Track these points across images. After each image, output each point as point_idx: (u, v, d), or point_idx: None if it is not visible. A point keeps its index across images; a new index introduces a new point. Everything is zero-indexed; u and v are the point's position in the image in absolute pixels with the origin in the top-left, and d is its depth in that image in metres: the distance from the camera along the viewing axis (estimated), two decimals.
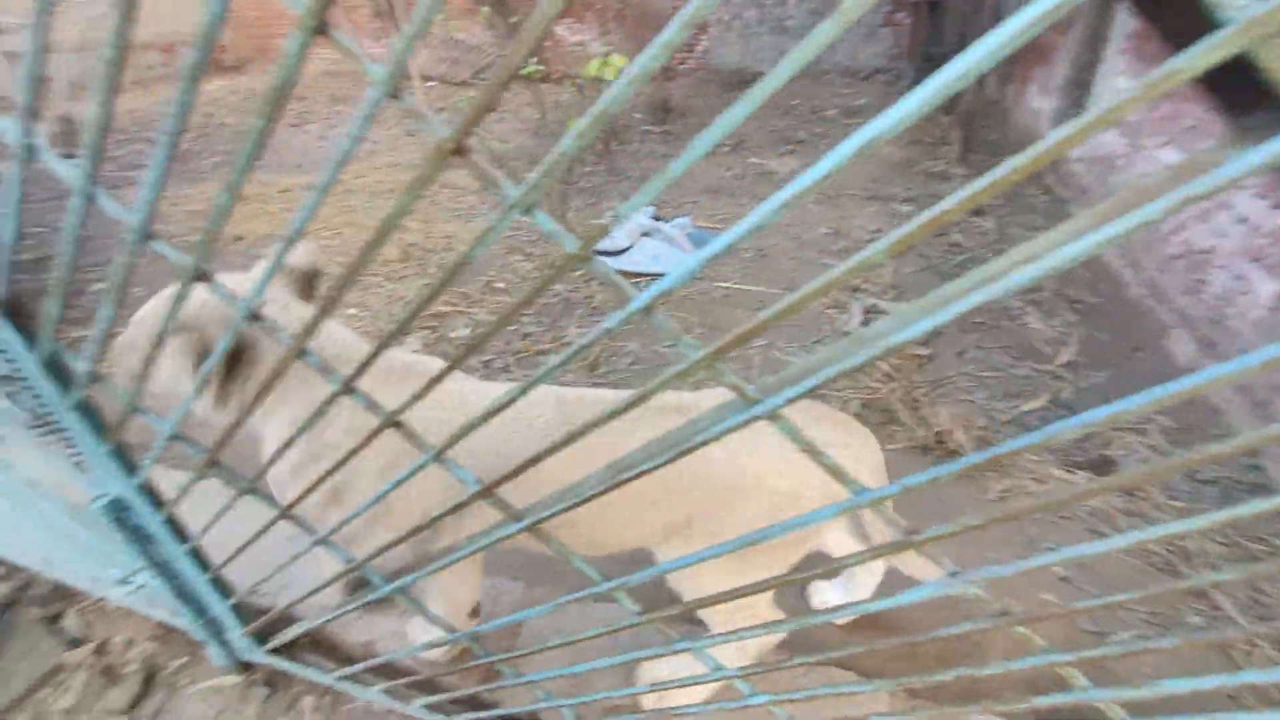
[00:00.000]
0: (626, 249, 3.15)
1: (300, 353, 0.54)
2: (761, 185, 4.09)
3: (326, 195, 0.43)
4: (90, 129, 0.47)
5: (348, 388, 0.55)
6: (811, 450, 0.44)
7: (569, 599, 0.65)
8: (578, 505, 0.56)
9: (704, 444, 0.47)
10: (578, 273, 3.07)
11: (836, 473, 0.45)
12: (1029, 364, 2.28)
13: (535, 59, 3.23)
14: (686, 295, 2.84)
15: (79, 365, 0.71)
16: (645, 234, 3.27)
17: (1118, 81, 3.28)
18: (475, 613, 1.17)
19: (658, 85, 5.62)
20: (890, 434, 1.95)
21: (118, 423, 0.76)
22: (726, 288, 2.89)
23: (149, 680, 1.16)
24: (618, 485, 0.53)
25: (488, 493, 0.59)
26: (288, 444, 0.65)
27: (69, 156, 5.10)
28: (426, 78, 7.51)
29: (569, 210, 3.37)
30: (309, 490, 0.68)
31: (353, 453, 0.61)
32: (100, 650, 1.22)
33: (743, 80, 6.82)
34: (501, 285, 3.00)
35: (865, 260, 0.36)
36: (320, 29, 0.38)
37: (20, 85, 0.49)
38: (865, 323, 2.54)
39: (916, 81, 5.36)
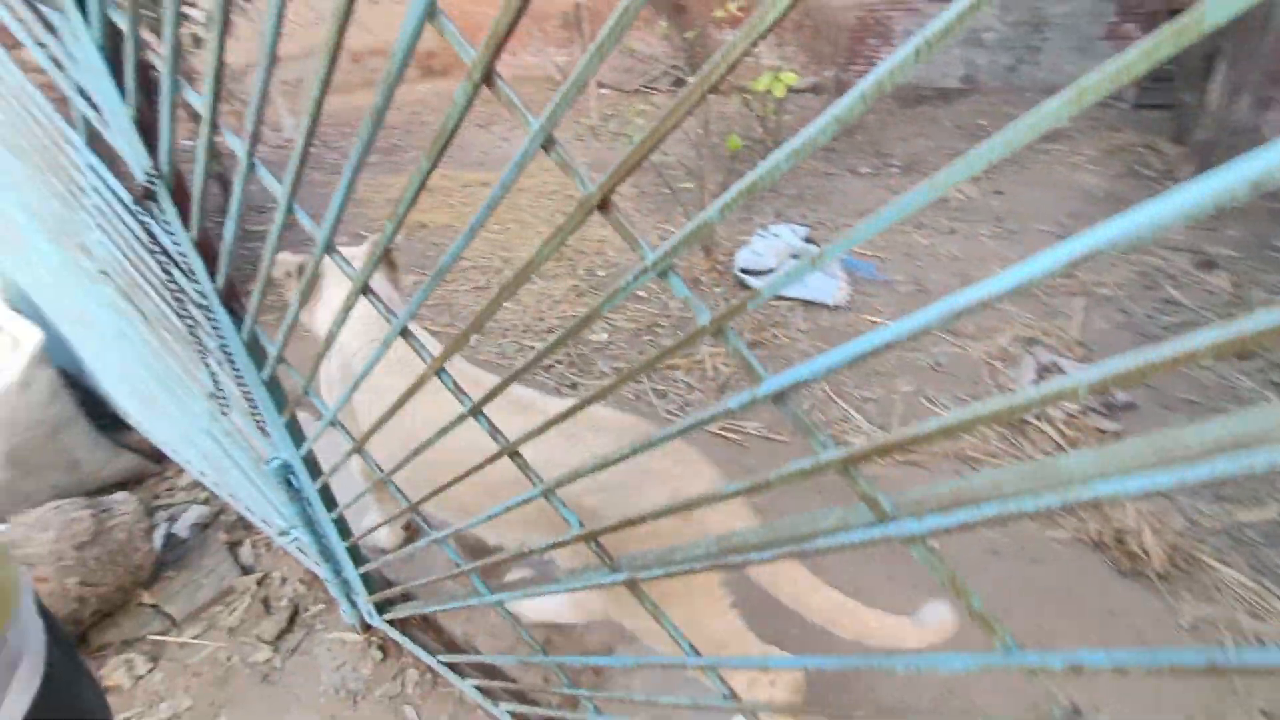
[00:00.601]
0: (773, 269, 3.05)
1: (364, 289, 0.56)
2: (929, 212, 3.76)
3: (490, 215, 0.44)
4: (291, 163, 0.53)
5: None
6: (962, 591, 0.37)
7: (653, 661, 0.62)
8: (675, 573, 0.53)
9: (821, 550, 0.42)
10: (719, 290, 3.03)
11: (984, 620, 0.38)
12: None
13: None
14: (832, 326, 2.68)
15: (271, 349, 0.81)
16: (794, 255, 3.15)
17: None
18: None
19: (828, 99, 5.40)
20: (1053, 518, 1.68)
21: (293, 401, 0.87)
22: (876, 322, 2.68)
23: (293, 618, 1.32)
24: (726, 567, 0.49)
25: (591, 538, 0.58)
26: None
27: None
28: (601, 84, 7.88)
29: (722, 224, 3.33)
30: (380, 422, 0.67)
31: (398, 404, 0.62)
32: (262, 582, 1.41)
33: (921, 97, 6.33)
34: (643, 294, 3.05)
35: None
36: (487, 79, 0.39)
37: (248, 113, 0.56)
38: (1038, 382, 2.22)
39: (1142, 104, 4.63)
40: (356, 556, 1.09)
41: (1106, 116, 5.21)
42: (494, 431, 0.60)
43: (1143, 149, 4.36)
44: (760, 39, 0.28)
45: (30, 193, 1.13)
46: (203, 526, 1.60)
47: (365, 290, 0.60)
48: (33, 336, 1.66)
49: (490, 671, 1.05)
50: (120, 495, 1.43)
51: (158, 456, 1.82)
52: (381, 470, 0.82)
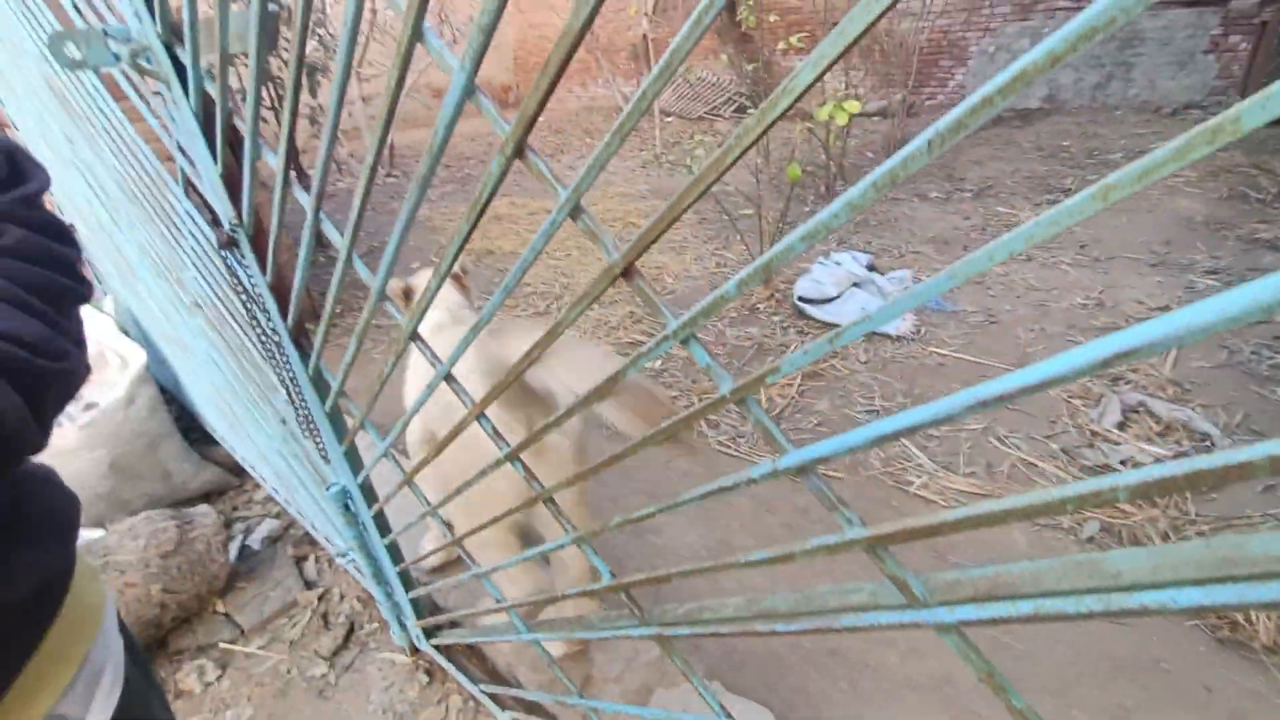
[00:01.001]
0: (833, 299, 2.98)
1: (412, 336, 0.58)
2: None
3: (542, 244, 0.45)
4: (351, 218, 0.56)
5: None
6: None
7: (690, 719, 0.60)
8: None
9: (850, 629, 0.40)
10: (776, 318, 2.99)
11: None
12: None
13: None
14: (892, 358, 2.58)
15: (334, 383, 0.86)
16: (856, 284, 3.07)
17: None
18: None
19: (898, 121, 5.28)
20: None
21: (351, 432, 0.91)
22: (942, 355, 2.57)
23: (349, 635, 1.38)
24: (757, 634, 0.48)
25: (623, 587, 0.58)
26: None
27: (392, 176, 6.38)
28: (665, 113, 8.03)
29: None
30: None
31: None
32: (323, 597, 1.48)
33: (998, 119, 6.09)
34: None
35: None
36: (519, 152, 0.40)
37: (315, 174, 0.61)
38: (1123, 425, 2.06)
39: None
40: (407, 581, 1.12)
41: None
42: (530, 477, 0.61)
43: (1251, 169, 4.01)
44: (802, 94, 0.28)
45: (141, 233, 1.26)
46: (273, 540, 1.70)
47: (414, 337, 0.63)
48: (138, 357, 1.84)
49: (530, 705, 1.06)
50: (202, 508, 1.54)
51: (238, 471, 1.95)
52: (429, 504, 0.85)
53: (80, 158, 1.33)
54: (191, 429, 2.17)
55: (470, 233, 0.47)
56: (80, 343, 0.46)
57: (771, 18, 4.53)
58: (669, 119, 7.93)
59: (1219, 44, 5.61)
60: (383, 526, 1.05)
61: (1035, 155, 5.00)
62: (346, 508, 1.05)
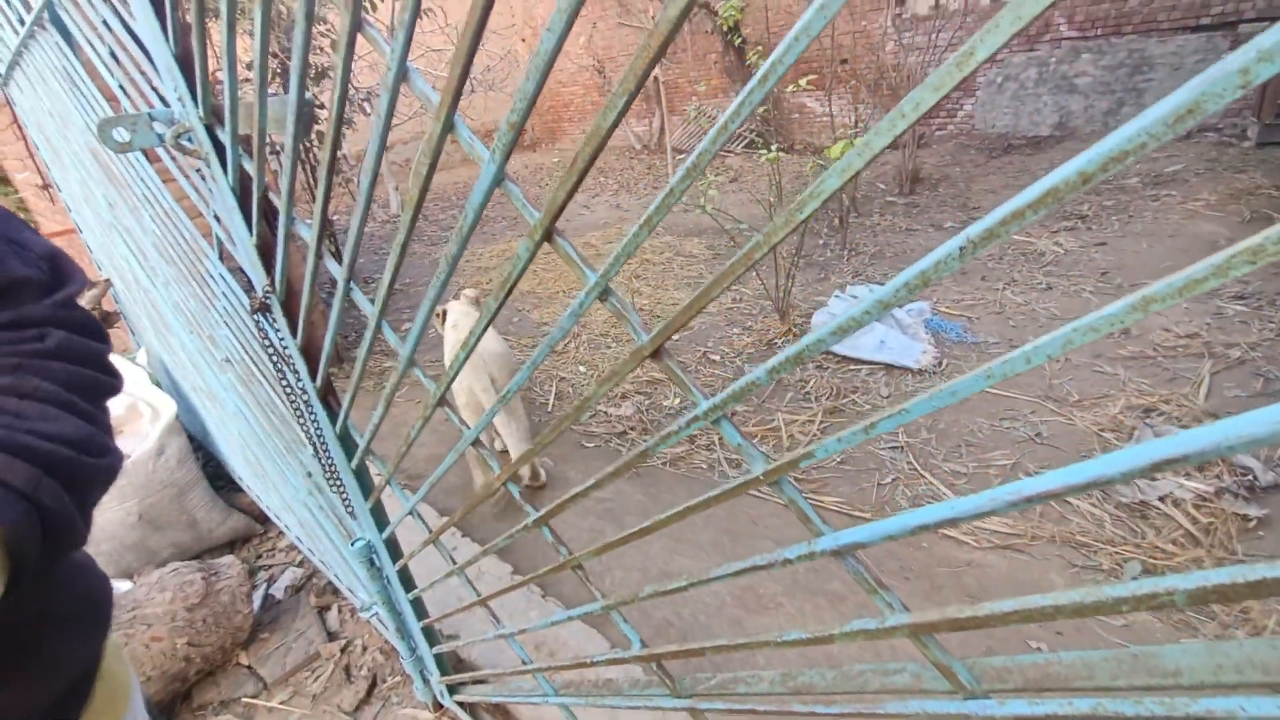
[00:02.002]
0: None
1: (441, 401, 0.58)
2: (1023, 268, 3.55)
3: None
4: (380, 292, 0.58)
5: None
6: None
7: None
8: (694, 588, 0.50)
9: (891, 717, 0.38)
10: None
11: None
12: None
13: (775, 144, 3.29)
14: (914, 391, 2.55)
15: (360, 441, 0.87)
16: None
17: None
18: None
19: (909, 153, 5.32)
20: (1187, 616, 1.47)
21: (378, 490, 0.92)
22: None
23: (371, 689, 1.36)
24: (795, 715, 0.46)
25: (654, 659, 0.57)
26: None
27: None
28: (678, 150, 8.19)
29: (794, 285, 3.30)
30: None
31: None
32: (345, 649, 1.47)
33: (1010, 147, 6.12)
34: (716, 358, 3.04)
35: None
36: (548, 237, 0.41)
37: (347, 242, 0.62)
38: None
39: (1267, 142, 4.27)
40: (431, 637, 1.11)
41: (1225, 157, 4.81)
42: (557, 543, 0.61)
43: (1273, 191, 3.96)
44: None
45: (176, 292, 1.30)
46: (296, 589, 1.70)
47: (442, 403, 0.64)
48: (169, 407, 1.88)
49: None
50: (227, 559, 1.55)
51: (262, 519, 1.97)
52: (454, 562, 0.84)
53: (121, 221, 1.39)
54: (218, 476, 2.20)
55: (499, 309, 0.48)
56: (109, 430, 0.47)
57: None
58: (681, 156, 8.08)
59: None
60: (407, 581, 1.04)
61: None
62: (371, 562, 1.05)
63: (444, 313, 2.18)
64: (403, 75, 0.43)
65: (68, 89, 1.18)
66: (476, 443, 0.64)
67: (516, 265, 0.43)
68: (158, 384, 2.01)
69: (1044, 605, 0.29)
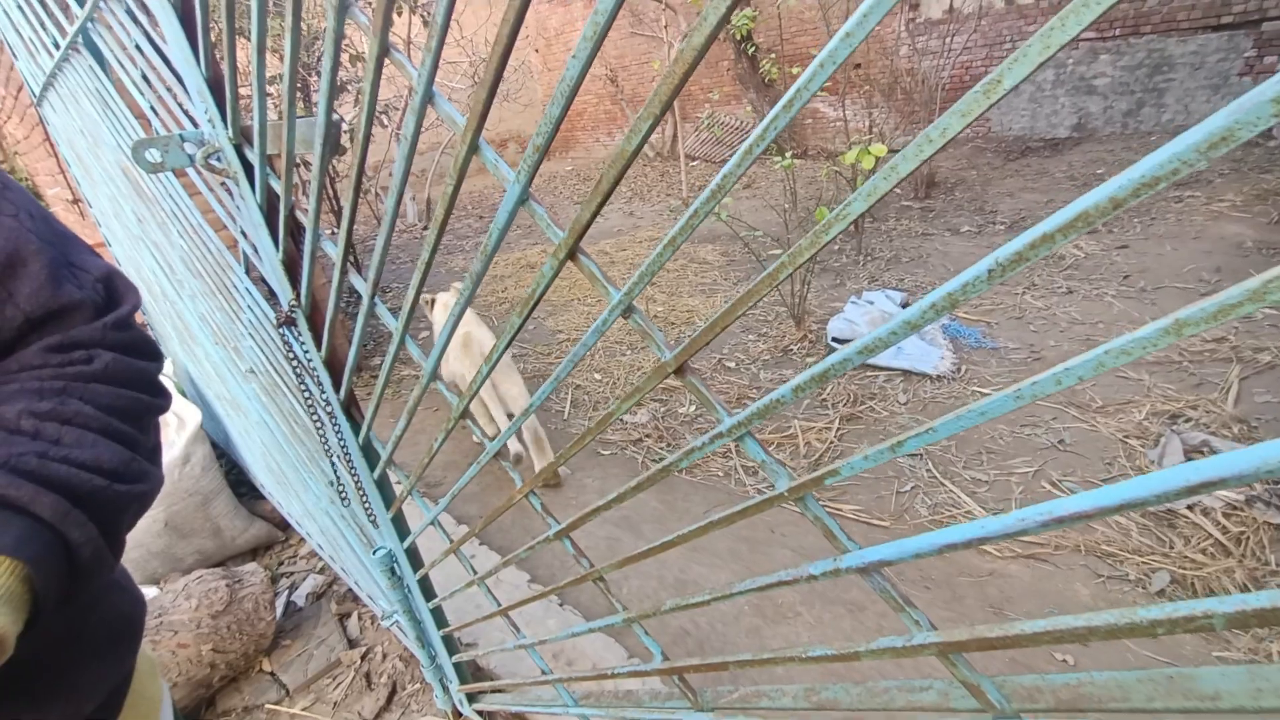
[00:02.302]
0: None
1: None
2: (1043, 271, 3.50)
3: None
4: (402, 313, 0.59)
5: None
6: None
7: None
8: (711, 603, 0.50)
9: None
10: (810, 359, 2.96)
11: None
12: None
13: (790, 150, 3.28)
14: (933, 398, 2.52)
15: (383, 452, 0.89)
16: None
17: None
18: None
19: None
20: (1212, 633, 1.43)
21: (399, 500, 0.93)
22: (985, 394, 2.49)
23: (391, 696, 1.37)
24: None
25: (675, 672, 0.57)
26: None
27: (429, 228, 6.66)
28: (691, 157, 8.21)
29: (809, 292, 3.29)
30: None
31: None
32: (366, 656, 1.48)
33: (1027, 149, 6.05)
34: (732, 364, 3.04)
35: None
36: (572, 256, 0.42)
37: (372, 261, 0.64)
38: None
39: None
40: (451, 645, 1.12)
41: (1250, 157, 4.72)
42: (579, 555, 0.61)
43: None
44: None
45: (202, 304, 1.33)
46: (317, 596, 1.72)
47: (464, 415, 0.64)
48: (194, 416, 1.91)
49: None
50: (250, 566, 1.57)
51: (284, 526, 1.99)
52: (474, 571, 0.85)
53: (149, 235, 1.43)
54: (240, 483, 2.23)
55: (522, 325, 0.48)
56: (156, 450, 0.48)
57: (794, 70, 4.63)
58: (694, 162, 8.10)
59: (1254, 66, 5.51)
60: (428, 591, 1.05)
61: (1069, 185, 4.93)
62: (393, 571, 1.06)
63: (433, 300, 2.60)
64: (428, 99, 0.44)
65: (100, 109, 1.22)
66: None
67: (540, 283, 0.44)
68: (182, 393, 2.05)
69: (1076, 626, 0.29)
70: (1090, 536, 1.76)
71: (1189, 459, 1.99)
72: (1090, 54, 6.14)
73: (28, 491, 0.39)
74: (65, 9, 1.16)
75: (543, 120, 0.36)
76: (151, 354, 0.52)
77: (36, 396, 0.42)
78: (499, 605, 0.83)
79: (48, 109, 1.79)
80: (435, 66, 0.41)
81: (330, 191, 4.51)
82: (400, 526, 0.99)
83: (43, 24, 1.30)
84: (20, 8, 1.43)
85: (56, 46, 1.26)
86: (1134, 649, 1.45)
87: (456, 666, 1.13)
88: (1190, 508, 1.81)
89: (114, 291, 0.50)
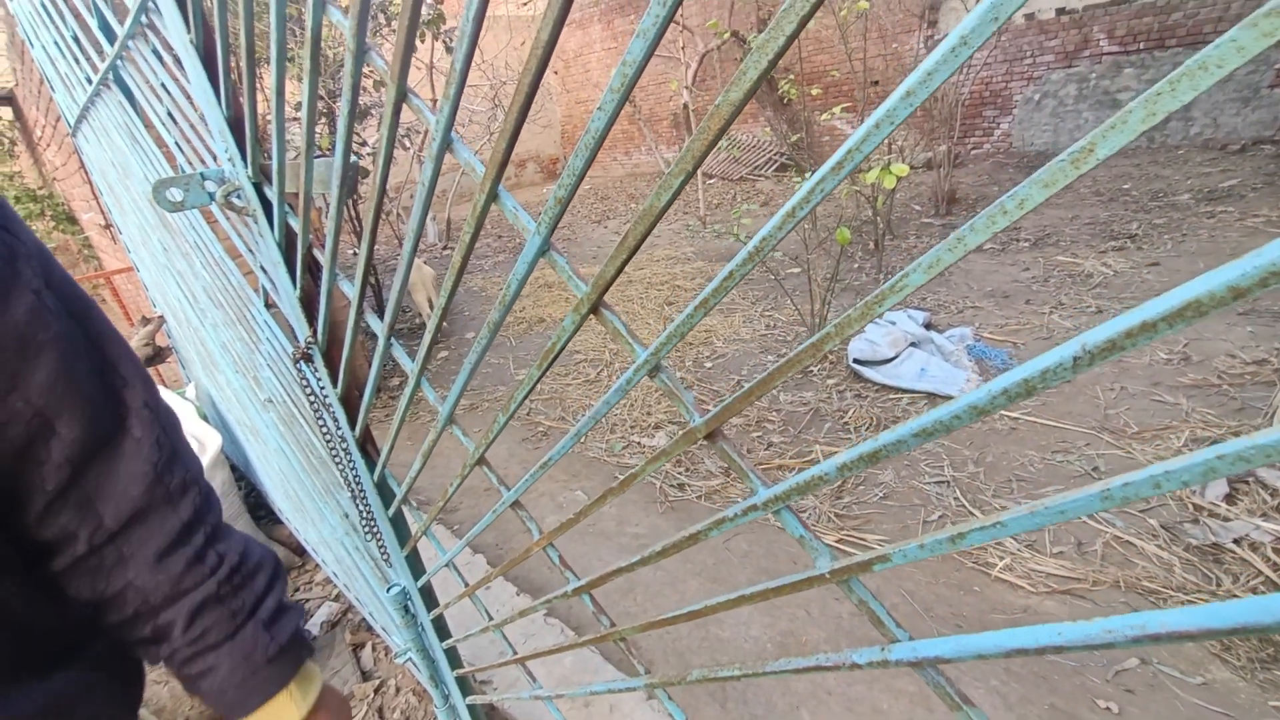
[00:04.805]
0: (890, 359, 2.89)
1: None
2: (1070, 290, 3.42)
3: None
4: (421, 350, 0.57)
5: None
6: None
7: None
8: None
9: None
10: (831, 381, 2.91)
11: None
12: None
13: (810, 168, 3.26)
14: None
15: (398, 491, 0.87)
16: (914, 343, 2.97)
17: None
18: None
19: (944, 173, 5.23)
20: (1274, 675, 1.34)
21: (414, 538, 0.91)
22: (1013, 418, 2.42)
23: None
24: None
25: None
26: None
27: (449, 249, 6.77)
28: (708, 175, 8.23)
29: (829, 311, 3.24)
30: None
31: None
32: (379, 689, 1.45)
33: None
34: (774, 366, 2.99)
35: None
36: (594, 310, 0.40)
37: (388, 308, 0.62)
38: (1231, 497, 1.86)
39: None
40: (466, 686, 1.09)
41: None
42: (598, 613, 0.58)
43: None
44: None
45: (225, 333, 1.34)
46: (332, 624, 1.70)
47: (481, 462, 0.62)
48: (214, 441, 1.92)
49: None
50: None
51: (300, 551, 1.98)
52: (490, 617, 0.82)
53: (174, 264, 1.44)
54: (259, 506, 2.24)
55: (541, 377, 0.46)
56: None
57: (814, 91, 4.63)
58: (712, 180, 8.12)
59: None
60: (442, 631, 1.03)
61: (1094, 200, 4.84)
62: (406, 609, 1.04)
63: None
64: (446, 145, 0.42)
65: (128, 143, 1.24)
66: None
67: (561, 337, 0.41)
68: (204, 417, 2.07)
69: None
70: (1130, 572, 1.68)
71: (1234, 490, 1.90)
72: (1114, 67, 6.06)
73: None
74: (98, 47, 1.19)
75: (564, 172, 0.34)
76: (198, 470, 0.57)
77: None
78: (515, 653, 0.80)
79: (82, 139, 1.83)
80: (454, 112, 0.40)
81: (352, 212, 4.58)
82: (415, 564, 0.97)
83: (77, 60, 1.33)
84: (57, 44, 1.47)
85: (89, 82, 1.29)
86: (1181, 695, 1.37)
87: (471, 708, 1.10)
88: (1237, 542, 1.72)
89: (169, 427, 0.54)
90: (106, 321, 0.51)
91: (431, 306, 2.53)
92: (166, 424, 0.53)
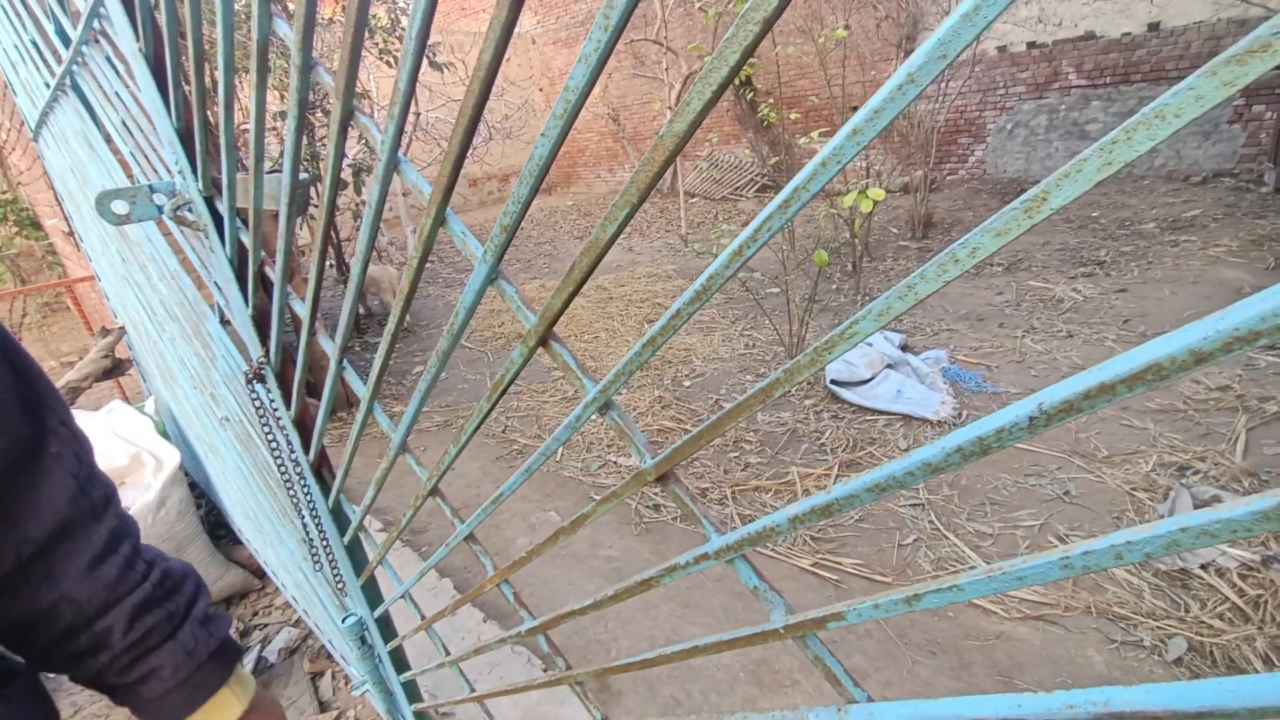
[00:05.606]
0: (868, 380, 2.90)
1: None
2: (1042, 314, 3.49)
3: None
4: (371, 377, 0.54)
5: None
6: None
7: None
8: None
9: None
10: (809, 402, 2.91)
11: None
12: None
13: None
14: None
15: (353, 517, 0.83)
16: (890, 365, 2.99)
17: None
18: None
19: (920, 197, 5.33)
20: None
21: (369, 568, 0.87)
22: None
23: None
24: None
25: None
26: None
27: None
28: (690, 194, 8.30)
29: (808, 332, 3.26)
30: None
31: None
32: None
33: (1022, 191, 6.07)
34: (729, 405, 2.98)
35: None
36: (543, 343, 0.38)
37: (339, 332, 0.59)
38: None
39: None
40: None
41: (1243, 203, 4.76)
42: (554, 653, 0.55)
43: None
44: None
45: (182, 348, 1.29)
46: (290, 651, 1.63)
47: (434, 493, 0.59)
48: (172, 458, 1.85)
49: None
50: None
51: (260, 573, 1.91)
52: (448, 652, 0.79)
53: (133, 276, 1.39)
54: (219, 525, 2.16)
55: (491, 409, 0.44)
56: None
57: (793, 115, 4.71)
58: (694, 199, 8.19)
59: (1243, 114, 5.62)
60: (400, 663, 0.98)
61: (1064, 227, 4.96)
62: (363, 640, 0.99)
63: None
64: (393, 166, 0.40)
65: (86, 151, 1.19)
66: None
67: (510, 369, 0.39)
68: (164, 433, 1.99)
69: None
70: (1101, 597, 1.69)
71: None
72: (1082, 100, 6.26)
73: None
74: (55, 53, 1.15)
75: (510, 200, 0.33)
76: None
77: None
78: (472, 691, 0.76)
79: (43, 145, 1.78)
80: (399, 133, 0.38)
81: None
82: (373, 593, 0.93)
83: (37, 66, 1.29)
84: (17, 47, 1.42)
85: (48, 86, 1.25)
86: None
87: None
88: (1204, 567, 1.74)
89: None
90: (17, 342, 0.49)
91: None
92: (82, 444, 0.52)
